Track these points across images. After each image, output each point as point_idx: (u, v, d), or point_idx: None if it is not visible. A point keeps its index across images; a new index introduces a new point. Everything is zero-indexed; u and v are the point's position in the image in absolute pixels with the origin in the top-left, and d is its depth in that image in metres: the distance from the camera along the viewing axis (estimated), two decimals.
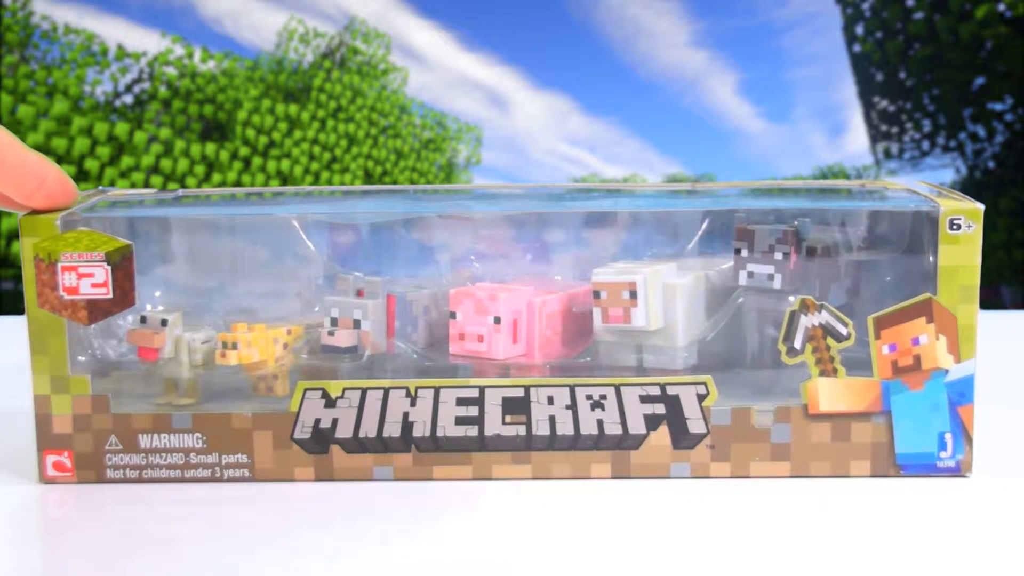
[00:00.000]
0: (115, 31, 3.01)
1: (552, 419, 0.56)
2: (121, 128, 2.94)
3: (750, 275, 0.58)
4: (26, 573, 0.47)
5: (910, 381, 0.56)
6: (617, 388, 0.56)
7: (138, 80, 3.05)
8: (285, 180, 3.14)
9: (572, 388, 0.56)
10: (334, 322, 0.59)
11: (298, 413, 0.57)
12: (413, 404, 0.57)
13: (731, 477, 0.57)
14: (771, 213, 0.58)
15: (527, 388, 0.56)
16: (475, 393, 0.57)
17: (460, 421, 0.57)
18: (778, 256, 0.57)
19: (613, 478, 0.57)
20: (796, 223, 0.58)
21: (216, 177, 3.03)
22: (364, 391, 0.57)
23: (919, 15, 2.95)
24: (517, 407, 0.57)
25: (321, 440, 0.57)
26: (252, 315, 0.61)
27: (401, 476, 0.57)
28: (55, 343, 0.56)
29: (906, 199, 0.58)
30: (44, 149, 2.76)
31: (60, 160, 2.76)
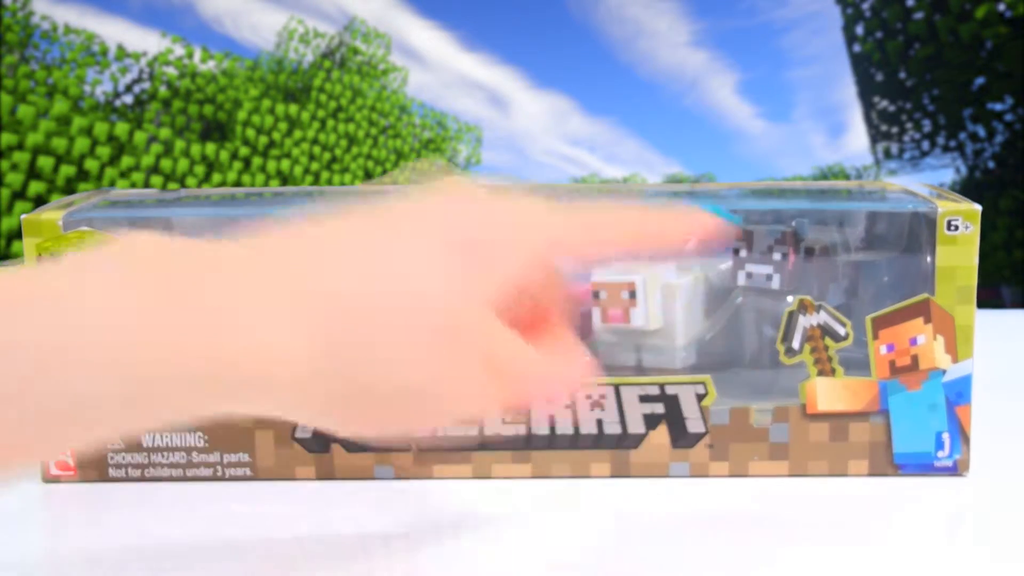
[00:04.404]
0: (115, 31, 3.01)
1: (551, 418, 0.57)
2: (121, 128, 2.94)
3: (749, 275, 0.58)
4: (28, 572, 0.47)
5: (908, 381, 0.56)
6: (616, 388, 0.57)
7: (138, 80, 3.05)
8: (285, 180, 3.14)
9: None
10: None
11: None
12: None
13: (730, 476, 0.57)
14: (769, 214, 0.59)
15: None
16: None
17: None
18: (776, 256, 0.58)
19: (612, 477, 0.57)
20: (794, 224, 0.58)
21: (216, 177, 3.03)
22: None
23: (919, 15, 2.95)
24: None
25: (322, 439, 0.57)
26: None
27: (401, 475, 0.57)
28: None
29: (904, 200, 0.58)
30: (44, 149, 2.76)
31: (60, 160, 2.76)
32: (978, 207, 0.55)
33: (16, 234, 2.62)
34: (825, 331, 0.56)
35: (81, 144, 2.84)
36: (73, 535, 0.52)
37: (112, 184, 2.81)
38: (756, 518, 0.52)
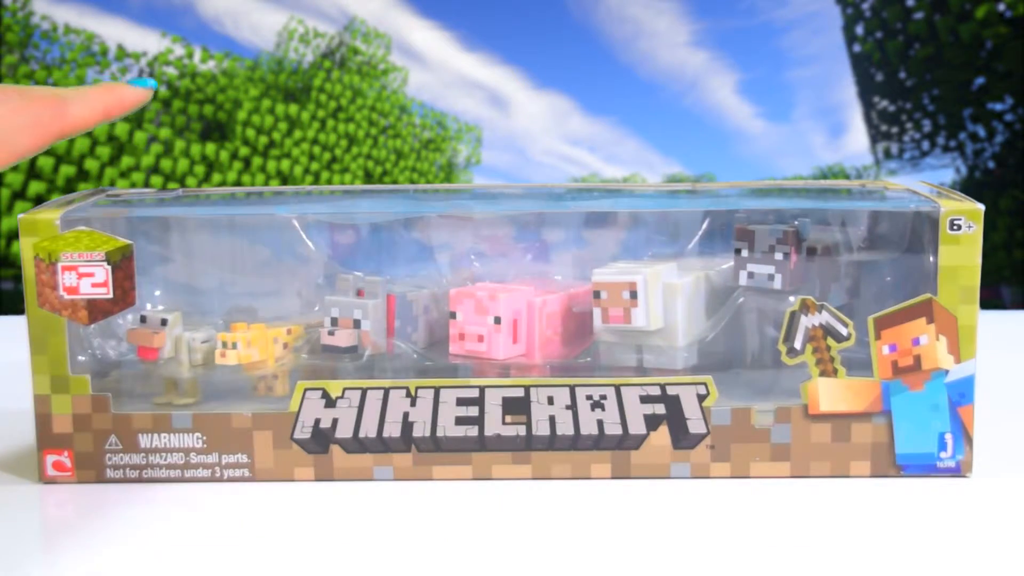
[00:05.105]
0: (115, 31, 3.01)
1: (552, 419, 0.56)
2: (121, 128, 2.94)
3: (750, 275, 0.58)
4: (26, 573, 0.47)
5: (910, 381, 0.56)
6: (617, 388, 0.56)
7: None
8: (285, 180, 3.14)
9: (572, 388, 0.56)
10: (334, 322, 0.59)
11: (298, 413, 0.57)
12: (413, 404, 0.56)
13: (731, 477, 0.57)
14: (771, 213, 0.58)
15: (527, 388, 0.56)
16: (475, 393, 0.56)
17: (460, 421, 0.57)
18: (778, 256, 0.57)
19: (613, 478, 0.57)
20: (796, 223, 0.58)
21: (216, 177, 3.03)
22: (364, 391, 0.57)
23: (919, 15, 2.95)
24: (517, 407, 0.57)
25: (321, 440, 0.57)
26: (252, 315, 0.61)
27: (401, 476, 0.57)
28: (55, 343, 0.56)
29: (906, 199, 0.58)
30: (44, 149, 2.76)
31: (60, 160, 2.76)
32: (981, 206, 0.54)
33: (15, 234, 2.61)
34: (827, 331, 0.56)
35: (81, 144, 2.84)
36: (70, 536, 0.52)
37: (112, 184, 2.81)
38: (757, 520, 0.52)
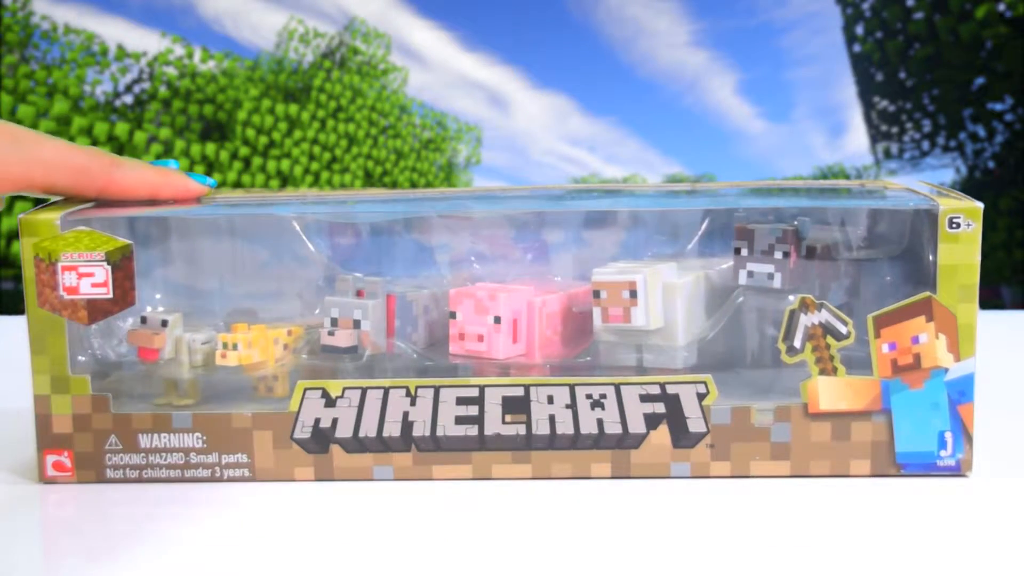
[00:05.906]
0: (115, 31, 3.01)
1: (552, 418, 0.56)
2: (121, 128, 2.94)
3: (750, 274, 0.58)
4: (26, 573, 0.47)
5: (910, 380, 0.56)
6: (617, 387, 0.56)
7: (138, 80, 3.05)
8: (285, 180, 3.14)
9: (572, 388, 0.56)
10: (334, 322, 0.59)
11: (298, 413, 0.57)
12: (413, 404, 0.57)
13: (731, 476, 0.57)
14: (771, 212, 0.58)
15: (527, 388, 0.56)
16: (475, 393, 0.57)
17: (460, 420, 0.57)
18: (778, 255, 0.57)
19: (613, 478, 0.57)
20: (796, 222, 0.58)
21: (216, 177, 3.03)
22: (364, 391, 0.57)
23: (919, 15, 2.95)
24: (517, 406, 0.57)
25: (321, 440, 0.57)
26: (252, 316, 0.61)
27: (401, 476, 0.57)
28: (55, 343, 0.56)
29: (906, 198, 0.58)
30: None
31: None
32: (980, 204, 0.54)
33: (15, 234, 2.61)
34: (827, 330, 0.56)
35: (81, 144, 2.84)
36: (70, 537, 0.52)
37: None
38: (757, 519, 0.52)
